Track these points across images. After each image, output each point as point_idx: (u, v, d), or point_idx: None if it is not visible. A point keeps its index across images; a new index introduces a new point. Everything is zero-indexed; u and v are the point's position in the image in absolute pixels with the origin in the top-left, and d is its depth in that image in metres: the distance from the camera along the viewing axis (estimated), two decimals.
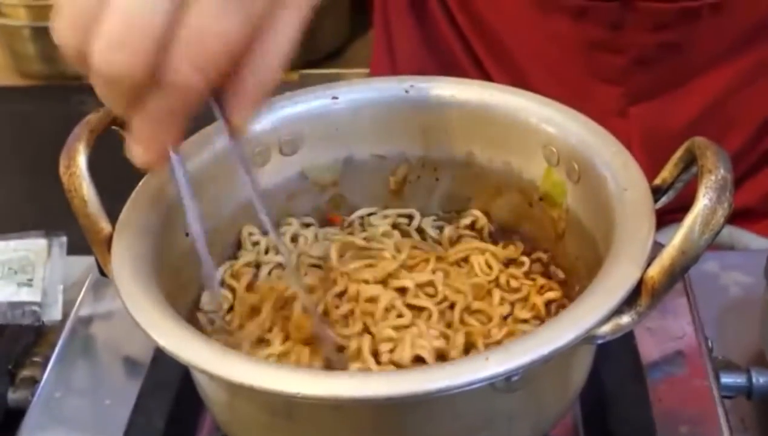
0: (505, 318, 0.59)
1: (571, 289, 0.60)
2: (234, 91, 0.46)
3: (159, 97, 0.45)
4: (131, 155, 0.47)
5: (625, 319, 0.49)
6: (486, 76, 0.91)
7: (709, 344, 0.66)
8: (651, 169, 0.56)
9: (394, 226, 0.66)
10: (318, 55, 1.50)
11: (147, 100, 0.45)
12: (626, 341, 0.63)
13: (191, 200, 0.50)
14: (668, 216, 0.58)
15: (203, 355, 0.47)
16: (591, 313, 0.48)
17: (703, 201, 0.48)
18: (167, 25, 0.43)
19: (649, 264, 0.49)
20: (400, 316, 0.57)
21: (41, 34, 1.54)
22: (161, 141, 0.47)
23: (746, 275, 0.76)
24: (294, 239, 0.65)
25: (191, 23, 0.43)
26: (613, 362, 0.61)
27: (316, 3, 0.48)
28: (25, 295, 0.72)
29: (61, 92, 1.55)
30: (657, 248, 0.50)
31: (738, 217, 0.89)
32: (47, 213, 0.79)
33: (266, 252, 0.64)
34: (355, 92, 0.65)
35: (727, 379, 0.65)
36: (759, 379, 0.65)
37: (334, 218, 0.66)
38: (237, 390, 0.51)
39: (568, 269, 0.62)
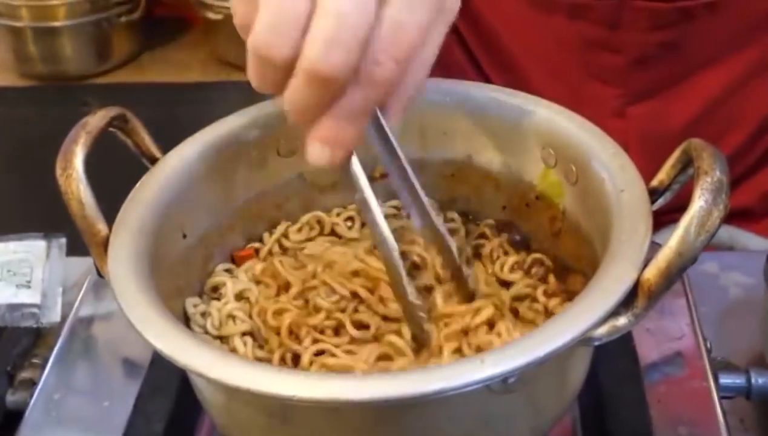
0: None
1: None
2: (394, 91, 0.48)
3: (354, 94, 0.46)
4: (314, 157, 0.48)
5: (621, 320, 0.49)
6: (484, 76, 0.91)
7: (708, 344, 0.66)
8: (649, 170, 0.56)
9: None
10: None
11: (341, 99, 0.46)
12: (624, 342, 0.63)
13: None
14: (666, 217, 0.58)
15: (200, 358, 0.47)
16: (587, 314, 0.48)
17: (698, 203, 0.48)
18: (374, 20, 0.44)
19: (646, 265, 0.49)
20: None
21: (43, 34, 1.54)
22: (350, 138, 0.48)
23: (745, 276, 0.76)
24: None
25: (390, 17, 0.45)
26: (612, 363, 0.61)
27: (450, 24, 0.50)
28: (24, 296, 0.72)
29: (62, 93, 1.56)
30: (655, 248, 0.50)
31: (737, 217, 0.89)
32: (46, 214, 0.79)
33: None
34: None
35: (726, 380, 0.64)
36: (758, 380, 0.65)
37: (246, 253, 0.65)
38: (233, 393, 0.51)
39: (565, 269, 0.62)
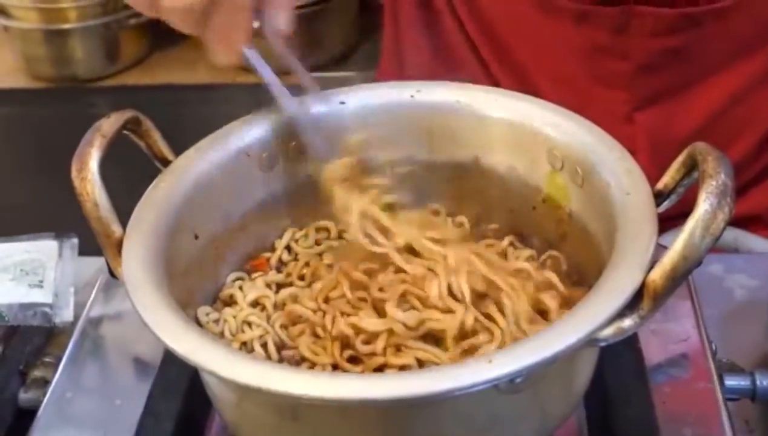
0: None
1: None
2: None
3: (224, 7, 0.56)
4: (213, 59, 0.59)
5: (627, 322, 0.50)
6: (493, 80, 0.92)
7: (713, 346, 0.66)
8: (657, 175, 0.56)
9: None
10: (326, 58, 1.51)
11: (213, 14, 0.57)
12: (630, 343, 0.63)
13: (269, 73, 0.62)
14: (671, 220, 0.58)
15: (212, 357, 0.48)
16: (593, 316, 0.48)
17: (703, 206, 0.48)
18: None
19: (651, 268, 0.50)
20: None
21: (53, 36, 1.54)
22: (239, 33, 0.58)
23: (750, 278, 0.76)
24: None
25: None
26: (617, 364, 0.62)
27: None
28: (36, 296, 0.72)
29: (71, 95, 1.56)
30: (660, 251, 0.50)
31: (743, 223, 0.89)
32: (58, 214, 0.80)
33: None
34: (362, 97, 0.66)
35: (731, 381, 0.65)
36: (763, 381, 0.65)
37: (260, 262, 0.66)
38: (245, 392, 0.52)
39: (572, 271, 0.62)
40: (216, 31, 0.58)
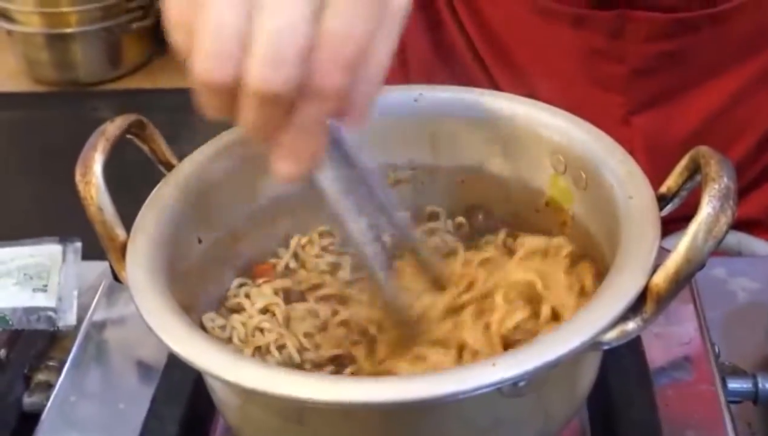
0: None
1: None
2: (348, 100, 0.47)
3: (306, 107, 0.46)
4: (279, 172, 0.48)
5: (630, 325, 0.50)
6: (493, 82, 0.92)
7: (716, 349, 0.67)
8: (654, 177, 0.57)
9: None
10: None
11: (294, 114, 0.46)
12: (633, 346, 0.63)
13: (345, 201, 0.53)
14: (674, 223, 0.58)
15: (216, 361, 0.48)
16: (597, 319, 0.48)
17: (706, 209, 0.48)
18: (312, 32, 0.44)
19: (654, 271, 0.50)
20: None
21: (55, 41, 1.55)
22: (312, 151, 0.48)
23: (753, 281, 0.76)
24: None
25: (331, 26, 0.44)
26: (621, 367, 0.62)
27: (408, 11, 0.49)
28: (40, 300, 0.72)
29: (74, 98, 1.57)
30: (663, 254, 0.50)
31: (743, 228, 0.89)
32: (61, 218, 0.80)
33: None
34: None
35: (733, 384, 0.65)
36: (765, 384, 0.65)
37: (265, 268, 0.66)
38: (249, 395, 0.52)
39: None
40: (292, 132, 0.47)
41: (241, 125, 0.47)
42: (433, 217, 0.68)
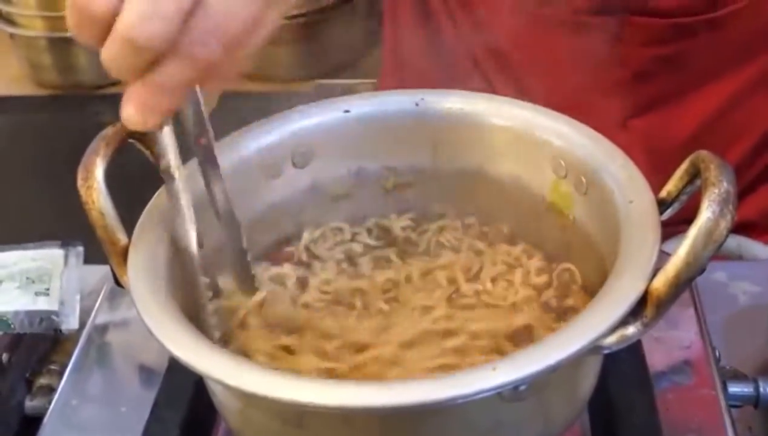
0: None
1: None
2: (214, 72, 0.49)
3: (172, 67, 0.47)
4: (125, 116, 0.49)
5: (630, 330, 0.50)
6: (491, 87, 0.92)
7: (717, 353, 0.67)
8: (653, 181, 0.57)
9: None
10: (332, 66, 1.51)
11: (158, 68, 0.47)
12: (634, 350, 0.63)
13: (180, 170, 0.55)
14: (674, 227, 0.58)
15: (217, 365, 0.48)
16: (597, 324, 0.48)
17: (706, 214, 0.48)
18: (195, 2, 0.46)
19: (654, 275, 0.50)
20: None
21: (58, 44, 1.55)
22: (162, 108, 0.50)
23: (754, 285, 0.76)
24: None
25: (220, 3, 0.46)
26: (621, 371, 0.62)
27: (285, 15, 0.52)
28: (42, 304, 0.72)
29: (77, 102, 1.56)
30: (663, 258, 0.51)
31: (740, 230, 0.89)
32: (63, 222, 0.80)
33: None
34: (366, 105, 0.66)
35: (734, 388, 0.65)
36: (766, 388, 0.65)
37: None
38: (250, 399, 0.52)
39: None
40: (151, 85, 0.48)
41: (102, 58, 0.48)
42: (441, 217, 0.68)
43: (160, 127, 0.53)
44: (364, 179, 0.67)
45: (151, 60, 0.47)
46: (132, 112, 0.49)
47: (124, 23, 0.46)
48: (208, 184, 0.58)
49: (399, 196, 0.68)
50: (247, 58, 0.50)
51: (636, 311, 0.49)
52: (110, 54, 0.47)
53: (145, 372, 0.68)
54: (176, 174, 0.55)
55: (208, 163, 0.58)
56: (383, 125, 0.66)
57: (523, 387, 0.48)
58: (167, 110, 0.50)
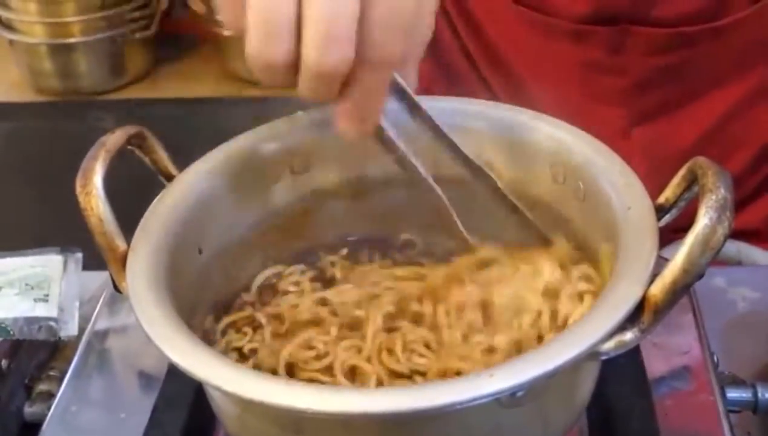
0: None
1: None
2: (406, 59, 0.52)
3: (365, 76, 0.50)
4: (345, 133, 0.53)
5: (628, 336, 0.50)
6: (492, 94, 0.92)
7: (715, 358, 0.67)
8: (654, 189, 0.57)
9: None
10: None
11: (353, 81, 0.50)
12: (632, 356, 0.63)
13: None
14: (672, 234, 0.59)
15: (217, 372, 0.48)
16: (594, 330, 0.49)
17: (703, 220, 0.48)
18: (360, 8, 0.47)
19: (652, 281, 0.50)
20: None
21: (58, 50, 1.55)
22: (371, 113, 0.53)
23: (753, 291, 0.76)
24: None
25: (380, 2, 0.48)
26: (619, 376, 0.62)
27: None
28: (41, 310, 0.73)
29: (77, 109, 1.57)
30: (661, 263, 0.51)
31: (743, 238, 0.89)
32: (63, 229, 0.81)
33: None
34: None
35: (732, 394, 0.65)
36: (765, 394, 0.65)
37: None
38: (248, 405, 0.52)
39: None
40: (354, 100, 0.51)
41: (301, 95, 0.50)
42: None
43: (374, 131, 0.55)
44: (367, 185, 0.67)
45: (345, 77, 0.49)
46: (349, 127, 0.52)
47: (307, 63, 0.48)
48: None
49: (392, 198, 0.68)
50: (425, 29, 0.52)
51: (634, 317, 0.50)
52: (306, 90, 0.50)
53: (145, 378, 0.68)
54: (411, 159, 0.58)
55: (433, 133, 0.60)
56: None
57: (521, 393, 0.48)
58: (375, 114, 0.53)
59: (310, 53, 0.47)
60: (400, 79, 0.56)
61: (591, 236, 0.60)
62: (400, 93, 0.57)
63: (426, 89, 0.83)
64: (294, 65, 0.48)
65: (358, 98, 0.51)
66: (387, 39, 0.49)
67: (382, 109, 0.54)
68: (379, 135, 0.56)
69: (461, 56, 0.93)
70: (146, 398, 0.65)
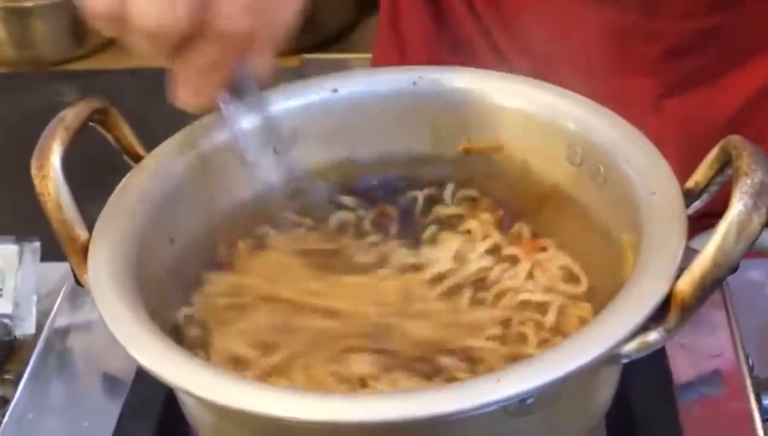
0: None
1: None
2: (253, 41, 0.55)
3: (206, 46, 0.53)
4: (178, 101, 0.55)
5: (652, 336, 0.50)
6: (507, 67, 0.92)
7: (750, 361, 0.67)
8: (687, 169, 0.57)
9: None
10: (320, 38, 1.51)
11: (193, 49, 0.53)
12: (657, 358, 0.63)
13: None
14: (702, 221, 0.58)
15: (189, 375, 0.48)
16: (615, 330, 0.48)
17: (737, 207, 0.48)
18: None
19: (680, 275, 0.50)
20: None
21: (12, 16, 1.55)
22: (211, 85, 0.56)
23: None
24: None
25: None
26: (642, 382, 0.62)
27: None
28: None
29: (34, 80, 1.56)
30: (690, 255, 0.50)
31: None
32: (18, 215, 0.80)
33: None
34: (357, 84, 0.66)
35: None
36: None
37: None
38: (226, 413, 0.52)
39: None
40: (192, 66, 0.55)
41: (137, 41, 0.53)
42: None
43: (211, 107, 0.58)
44: (355, 167, 0.67)
45: (182, 42, 0.53)
46: (182, 95, 0.55)
47: (136, 15, 0.51)
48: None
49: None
50: (286, 19, 0.56)
51: (658, 316, 0.49)
52: (139, 46, 0.53)
53: (110, 381, 0.69)
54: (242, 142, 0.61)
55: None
56: (376, 107, 0.66)
57: (530, 400, 0.48)
58: (213, 89, 0.56)
59: (140, 7, 0.51)
60: (247, 69, 0.57)
61: (611, 224, 0.60)
62: (245, 82, 0.59)
63: (425, 57, 0.83)
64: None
65: (196, 68, 0.54)
66: (232, 11, 0.52)
67: (218, 89, 0.57)
68: (217, 113, 0.60)
69: (471, 22, 0.93)
70: (112, 403, 0.65)
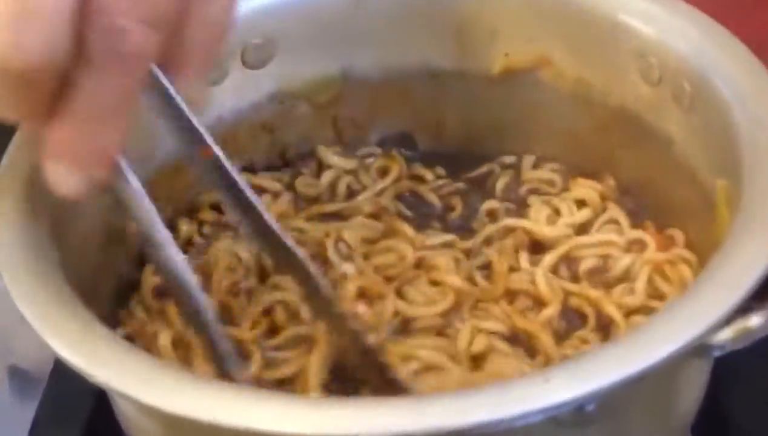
0: None
1: None
2: (178, 57, 0.49)
3: (93, 82, 0.45)
4: (56, 183, 0.48)
5: (754, 320, 0.50)
6: None
7: None
8: None
9: None
10: None
11: (74, 93, 0.45)
12: (760, 352, 0.64)
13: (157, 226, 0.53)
14: None
15: (130, 374, 0.48)
16: (703, 311, 0.48)
17: None
18: None
19: None
20: None
21: None
22: (106, 145, 0.48)
23: None
24: None
25: None
26: (741, 384, 0.63)
27: None
28: None
29: None
30: None
31: None
32: None
33: None
34: None
35: None
36: None
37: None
38: (176, 423, 0.52)
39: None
40: (75, 122, 0.46)
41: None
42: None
43: (115, 180, 0.51)
44: (353, 83, 0.68)
45: (55, 86, 0.45)
46: (59, 171, 0.47)
47: None
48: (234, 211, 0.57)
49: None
50: (216, 16, 0.50)
51: (763, 293, 0.50)
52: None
53: (20, 379, 0.70)
54: (158, 237, 0.53)
55: (223, 181, 0.55)
56: (381, 5, 0.66)
57: (591, 407, 0.48)
58: (112, 146, 0.48)
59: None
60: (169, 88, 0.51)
61: (699, 165, 0.61)
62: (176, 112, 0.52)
63: None
64: None
65: (79, 120, 0.46)
66: (124, 23, 0.45)
67: (118, 147, 0.49)
68: (115, 186, 0.51)
69: None
70: (23, 407, 0.66)
